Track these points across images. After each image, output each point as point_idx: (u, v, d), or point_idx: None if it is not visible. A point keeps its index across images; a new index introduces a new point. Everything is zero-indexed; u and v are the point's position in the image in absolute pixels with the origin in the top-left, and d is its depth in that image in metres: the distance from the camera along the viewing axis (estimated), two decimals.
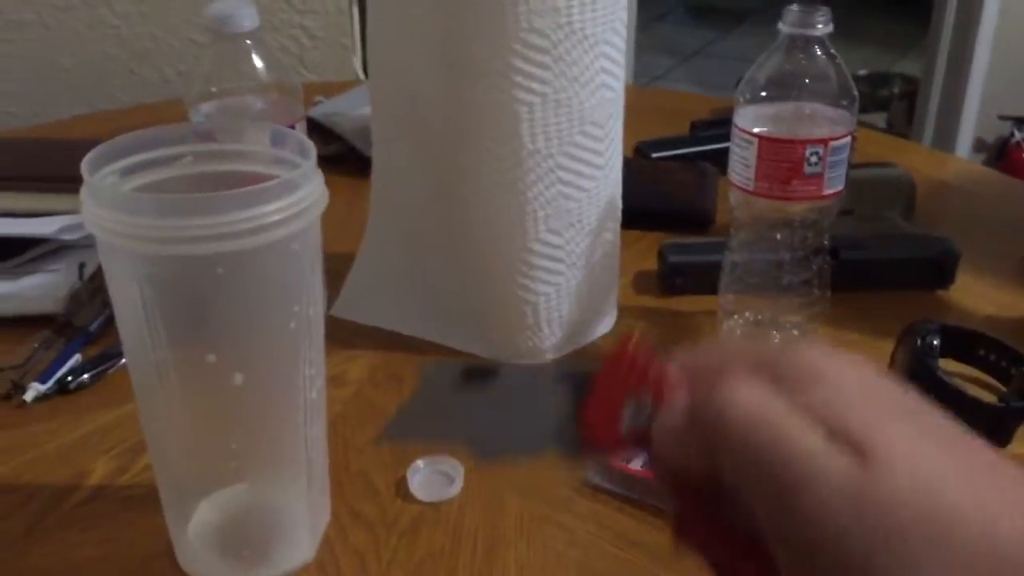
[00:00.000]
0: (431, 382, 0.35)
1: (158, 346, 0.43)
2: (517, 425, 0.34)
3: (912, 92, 2.71)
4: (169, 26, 1.19)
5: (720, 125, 0.95)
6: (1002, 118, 2.27)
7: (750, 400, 0.28)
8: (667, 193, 0.83)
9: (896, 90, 2.91)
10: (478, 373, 0.33)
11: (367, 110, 0.93)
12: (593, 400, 0.32)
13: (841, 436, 0.26)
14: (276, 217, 0.41)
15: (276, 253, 0.42)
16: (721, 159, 0.90)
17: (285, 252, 0.43)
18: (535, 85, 0.59)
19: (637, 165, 0.68)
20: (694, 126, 0.97)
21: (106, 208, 0.40)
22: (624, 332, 0.32)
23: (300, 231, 0.42)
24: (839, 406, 0.27)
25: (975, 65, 2.39)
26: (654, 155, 0.91)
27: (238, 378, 0.44)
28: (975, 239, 0.76)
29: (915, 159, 0.96)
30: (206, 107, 0.64)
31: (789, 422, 0.27)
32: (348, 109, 0.96)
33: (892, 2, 3.91)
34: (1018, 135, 2.26)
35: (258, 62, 0.65)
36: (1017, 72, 2.33)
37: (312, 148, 0.44)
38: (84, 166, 0.42)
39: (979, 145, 2.42)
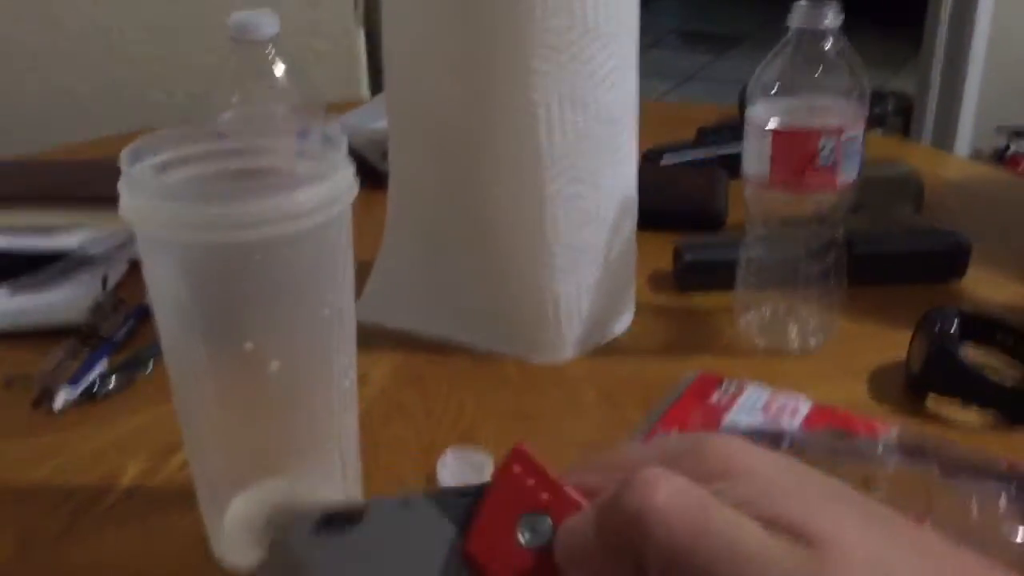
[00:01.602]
0: (279, 541, 0.30)
1: (196, 336, 0.44)
2: (383, 570, 0.28)
3: (907, 109, 2.74)
4: (179, 49, 1.21)
5: (727, 130, 0.97)
6: (999, 129, 2.29)
7: (672, 494, 0.25)
8: (679, 195, 0.84)
9: (890, 108, 2.94)
10: (338, 519, 0.28)
11: (380, 124, 0.95)
12: (480, 526, 0.28)
13: (782, 526, 0.24)
14: (312, 204, 0.42)
15: (312, 240, 0.43)
16: (729, 163, 0.92)
17: (320, 239, 0.43)
18: (552, 84, 0.60)
19: (648, 168, 0.69)
20: (701, 132, 0.98)
21: (144, 197, 0.41)
22: (512, 447, 0.29)
23: (334, 218, 0.43)
24: (773, 495, 0.25)
25: (969, 79, 2.41)
26: (663, 161, 0.92)
27: (274, 365, 0.45)
28: (983, 234, 0.77)
29: (919, 159, 0.97)
30: (228, 115, 0.65)
31: (723, 515, 0.25)
32: (360, 123, 0.97)
33: (882, 22, 3.96)
34: (1014, 147, 2.28)
35: (279, 69, 0.66)
36: (1011, 84, 2.36)
37: (342, 139, 0.45)
38: (123, 158, 0.43)
39: (976, 157, 2.44)
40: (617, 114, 0.64)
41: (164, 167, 0.45)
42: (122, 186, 0.42)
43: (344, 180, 0.44)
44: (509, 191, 0.63)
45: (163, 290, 0.44)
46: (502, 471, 0.29)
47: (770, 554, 0.24)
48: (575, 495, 0.28)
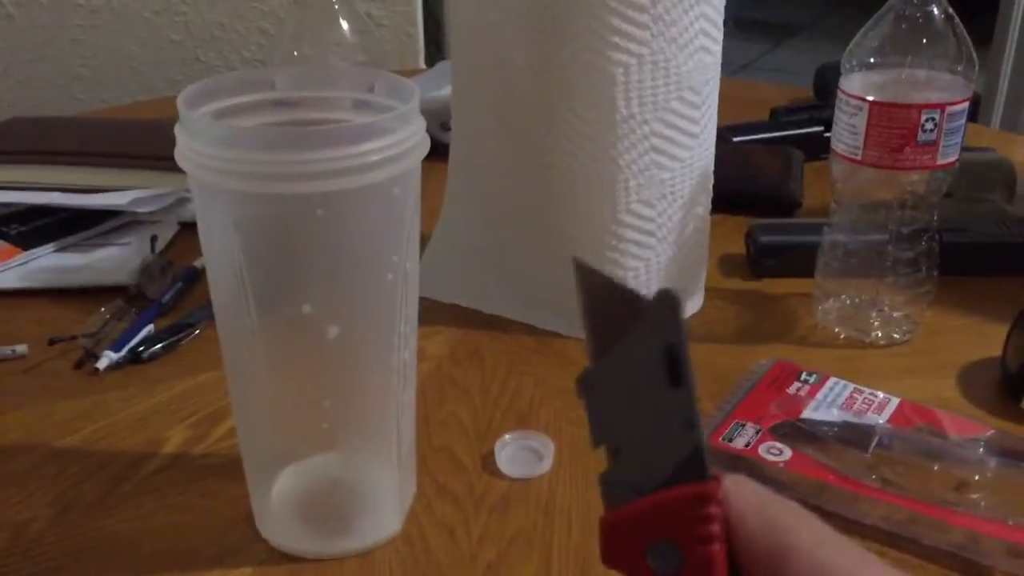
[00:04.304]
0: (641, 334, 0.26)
1: (250, 296, 0.41)
2: (636, 435, 0.26)
3: (974, 103, 2.66)
4: (236, 13, 1.18)
5: (801, 111, 0.92)
6: None
7: None
8: (752, 176, 0.80)
9: None
10: (677, 365, 0.25)
11: (440, 93, 0.92)
12: (625, 514, 0.26)
13: None
14: (377, 157, 0.38)
15: (377, 196, 0.40)
16: (803, 144, 0.87)
17: (387, 196, 0.40)
18: (632, 46, 0.56)
19: (721, 147, 0.65)
20: (775, 112, 0.94)
21: (202, 143, 0.38)
22: (710, 484, 0.25)
23: (401, 175, 0.40)
24: None
25: None
26: (736, 139, 0.88)
27: (333, 331, 0.41)
28: None
29: (1010, 148, 0.92)
30: (290, 74, 0.62)
31: None
32: (421, 91, 0.94)
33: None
34: None
35: (344, 23, 0.63)
36: None
37: (414, 90, 0.42)
38: (181, 101, 0.40)
39: None
40: (698, 83, 0.60)
41: (222, 114, 0.42)
42: (179, 130, 0.39)
43: (416, 134, 0.41)
44: (579, 160, 0.59)
45: (217, 246, 0.41)
46: (676, 490, 0.25)
47: None
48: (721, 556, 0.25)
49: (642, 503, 0.26)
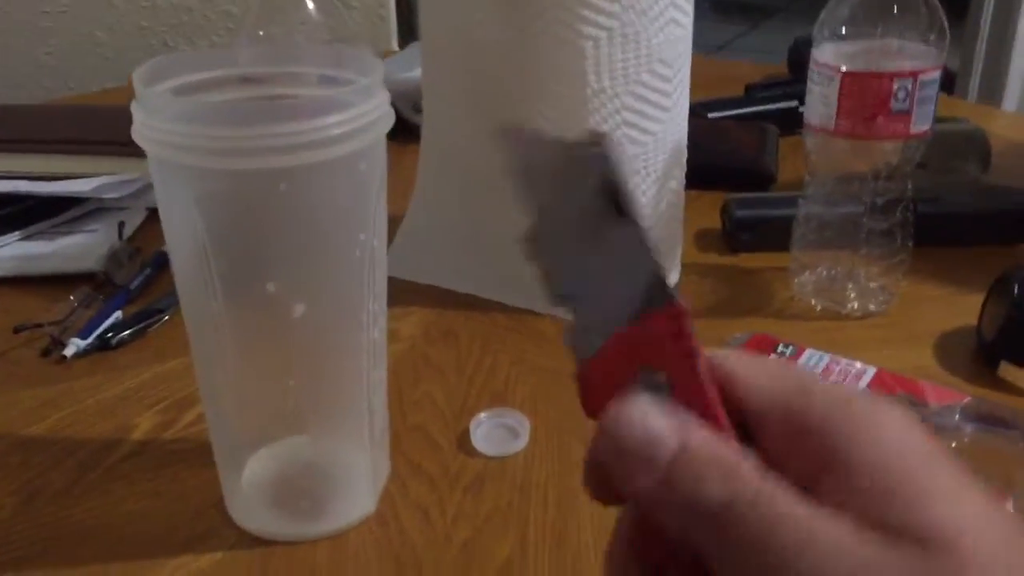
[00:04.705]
0: (572, 166, 0.26)
1: (214, 275, 0.40)
2: (593, 281, 0.26)
3: (949, 83, 2.66)
4: (215, 8, 1.16)
5: (776, 87, 0.92)
6: None
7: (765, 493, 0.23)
8: (727, 151, 0.80)
9: None
10: (616, 198, 0.25)
11: (411, 74, 0.91)
12: (599, 359, 0.25)
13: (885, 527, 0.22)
14: (340, 130, 0.37)
15: (342, 171, 0.39)
16: (778, 120, 0.87)
17: (352, 171, 0.39)
18: (601, 19, 0.55)
19: (695, 122, 0.65)
20: (749, 88, 0.93)
21: (159, 119, 0.37)
22: (679, 304, 0.25)
23: (366, 148, 0.39)
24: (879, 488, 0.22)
25: (1016, 51, 2.33)
26: (710, 115, 0.87)
27: (299, 309, 0.41)
28: None
29: (985, 120, 0.92)
30: (252, 52, 0.60)
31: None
32: (391, 74, 0.93)
33: None
34: None
35: (310, 3, 0.61)
36: None
37: (377, 63, 0.41)
38: (136, 79, 0.38)
39: None
40: (669, 56, 0.59)
41: (181, 91, 0.41)
42: (136, 108, 0.38)
43: (379, 107, 0.40)
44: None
45: (179, 225, 0.40)
46: (648, 317, 0.25)
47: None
48: (708, 395, 0.24)
49: (618, 338, 0.25)
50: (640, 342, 0.25)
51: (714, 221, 0.74)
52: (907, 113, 0.55)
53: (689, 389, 0.24)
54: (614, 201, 0.25)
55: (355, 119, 0.38)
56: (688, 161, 0.65)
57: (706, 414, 0.24)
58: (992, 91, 2.37)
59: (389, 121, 0.40)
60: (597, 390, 0.25)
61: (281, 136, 0.36)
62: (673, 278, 0.66)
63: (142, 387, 0.57)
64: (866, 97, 0.55)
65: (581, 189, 0.25)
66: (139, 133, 0.38)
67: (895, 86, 0.54)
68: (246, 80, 0.44)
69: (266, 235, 0.40)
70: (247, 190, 0.39)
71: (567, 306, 0.26)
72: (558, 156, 0.25)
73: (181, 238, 0.40)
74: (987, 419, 0.49)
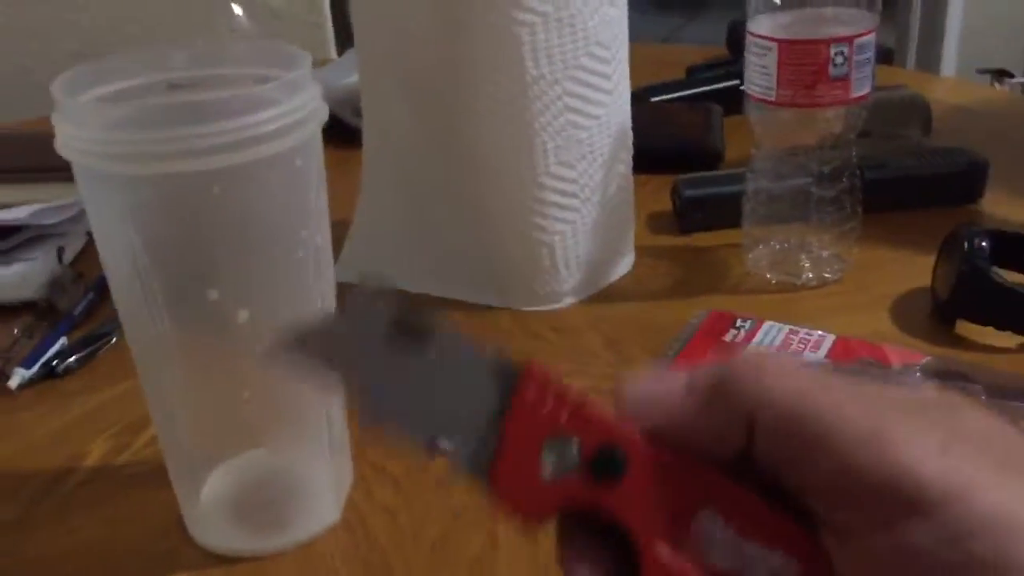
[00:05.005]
0: (355, 311, 0.27)
1: (154, 288, 0.38)
2: (422, 405, 0.26)
3: (887, 59, 2.70)
4: (130, 17, 1.14)
5: (717, 67, 0.92)
6: (980, 72, 2.25)
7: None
8: (673, 133, 0.79)
9: None
10: (410, 326, 0.26)
11: (351, 79, 0.89)
12: (503, 465, 0.25)
13: None
14: (271, 126, 0.36)
15: (278, 169, 0.38)
16: (721, 99, 0.87)
17: (287, 168, 0.38)
18: (536, 4, 0.55)
19: (640, 107, 0.64)
20: (691, 70, 0.93)
21: (81, 127, 0.36)
22: (525, 360, 0.26)
23: (301, 144, 0.38)
24: None
25: (949, 23, 2.37)
26: (653, 99, 0.87)
27: (243, 316, 0.39)
28: (998, 154, 0.73)
29: (925, 87, 0.93)
30: (180, 55, 0.59)
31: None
32: (331, 80, 0.92)
33: None
34: (998, 87, 2.24)
35: (237, 9, 0.60)
36: (990, 24, 2.32)
37: (305, 57, 0.40)
38: (56, 89, 0.37)
39: None
40: (606, 39, 0.58)
41: (103, 101, 0.40)
42: (57, 119, 0.37)
43: (311, 101, 0.39)
44: (494, 127, 0.58)
45: (113, 240, 0.39)
46: (517, 396, 0.25)
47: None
48: (603, 415, 0.25)
49: (506, 433, 0.25)
50: (526, 421, 0.25)
51: (665, 204, 0.73)
52: (846, 78, 0.55)
53: (598, 428, 0.25)
54: (411, 326, 0.26)
55: (286, 114, 0.37)
56: (635, 146, 0.64)
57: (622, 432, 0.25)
58: (929, 64, 2.40)
59: (323, 115, 0.39)
60: (514, 489, 0.25)
61: (210, 136, 0.35)
62: (628, 262, 0.66)
63: (92, 413, 0.55)
64: (804, 65, 0.55)
65: (377, 326, 0.26)
66: (63, 145, 0.37)
67: (832, 51, 0.54)
68: (173, 86, 0.43)
69: (204, 241, 0.38)
70: (180, 195, 0.37)
71: (429, 450, 0.26)
72: (348, 309, 0.27)
73: (116, 254, 0.39)
74: (947, 376, 0.49)
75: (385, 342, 0.26)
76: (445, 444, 0.26)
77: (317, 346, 0.27)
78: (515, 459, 0.25)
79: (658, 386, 0.26)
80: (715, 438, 0.24)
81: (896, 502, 0.22)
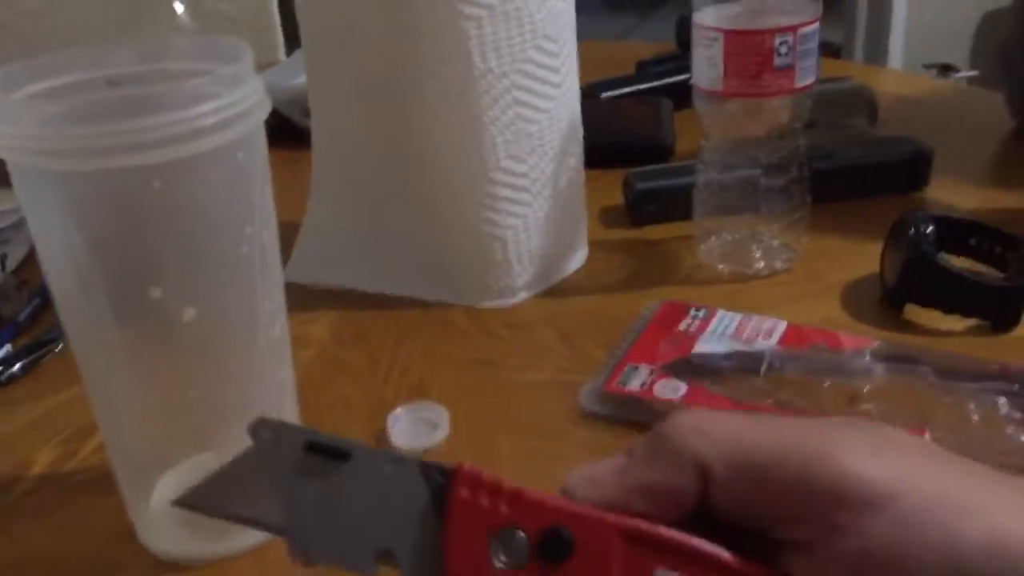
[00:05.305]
0: (264, 446, 0.27)
1: (96, 288, 0.37)
2: (354, 527, 0.26)
3: (834, 56, 2.74)
4: (78, 23, 1.12)
5: (667, 62, 0.93)
6: (927, 67, 2.30)
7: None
8: (624, 128, 0.80)
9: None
10: (325, 450, 0.27)
11: (299, 80, 0.88)
12: (452, 566, 0.26)
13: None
14: (213, 119, 0.36)
15: (220, 163, 0.37)
16: (671, 94, 0.87)
17: (229, 162, 0.38)
18: None
19: (590, 103, 0.64)
20: (641, 65, 0.94)
21: (14, 124, 0.35)
22: (453, 471, 0.27)
23: (243, 138, 0.37)
24: None
25: (895, 20, 2.41)
26: (603, 95, 0.88)
27: (189, 313, 0.39)
28: (942, 142, 0.74)
29: (871, 79, 0.94)
30: (119, 51, 0.58)
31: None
32: (279, 81, 0.91)
33: None
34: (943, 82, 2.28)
35: (179, 7, 0.59)
36: (935, 20, 2.36)
37: (246, 50, 0.40)
38: None
39: None
40: (553, 31, 0.58)
41: (37, 97, 0.39)
42: None
43: (253, 94, 0.38)
44: (443, 122, 0.57)
45: (53, 240, 0.38)
46: (452, 499, 0.26)
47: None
48: (542, 498, 0.26)
49: (447, 539, 0.25)
50: (467, 521, 0.26)
51: (617, 199, 0.74)
52: (790, 68, 0.56)
53: (539, 513, 0.25)
54: (326, 448, 0.26)
55: (227, 107, 0.36)
56: (586, 141, 0.64)
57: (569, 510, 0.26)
58: (876, 60, 2.44)
59: (265, 109, 0.39)
60: None
61: (149, 130, 0.34)
62: (581, 257, 0.66)
63: (38, 421, 0.54)
64: (750, 55, 0.55)
65: (292, 454, 0.27)
66: None
67: (776, 41, 0.55)
68: (112, 82, 0.42)
69: (146, 238, 0.38)
70: (119, 191, 0.36)
71: (334, 554, 0.26)
72: (257, 443, 0.27)
73: (56, 254, 0.38)
74: (896, 359, 0.50)
75: (303, 468, 0.26)
76: (386, 565, 0.26)
77: (229, 490, 0.28)
78: (463, 561, 0.25)
79: (599, 464, 0.27)
80: (663, 494, 0.26)
81: (850, 503, 0.23)
